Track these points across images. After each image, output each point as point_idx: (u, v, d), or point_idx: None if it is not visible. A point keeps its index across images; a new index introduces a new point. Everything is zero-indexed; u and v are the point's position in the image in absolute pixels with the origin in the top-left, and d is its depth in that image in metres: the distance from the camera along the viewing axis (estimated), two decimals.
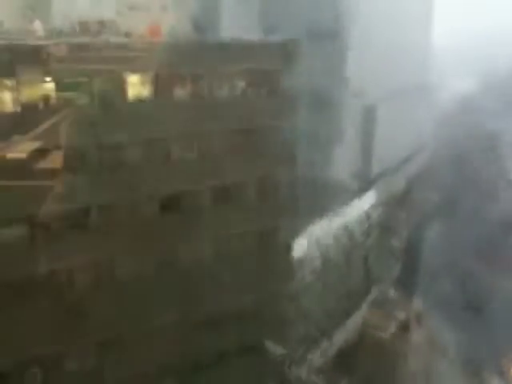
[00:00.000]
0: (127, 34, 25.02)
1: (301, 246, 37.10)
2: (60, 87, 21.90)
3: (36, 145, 20.49)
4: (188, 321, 26.19)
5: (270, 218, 28.81)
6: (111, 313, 23.93)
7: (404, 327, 43.08)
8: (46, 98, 21.62)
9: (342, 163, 52.96)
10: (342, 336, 41.17)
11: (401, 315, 44.14)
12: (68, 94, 21.94)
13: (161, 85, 24.47)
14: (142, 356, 25.03)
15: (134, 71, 23.56)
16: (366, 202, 47.61)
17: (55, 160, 20.70)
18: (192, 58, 24.90)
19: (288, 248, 30.60)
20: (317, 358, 38.63)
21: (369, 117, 57.15)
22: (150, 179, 24.37)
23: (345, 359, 40.06)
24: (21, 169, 20.56)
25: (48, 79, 21.72)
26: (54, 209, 21.42)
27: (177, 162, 25.26)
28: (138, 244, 24.51)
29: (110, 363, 24.58)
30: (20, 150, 20.29)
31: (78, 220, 22.68)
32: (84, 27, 26.07)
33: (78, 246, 22.94)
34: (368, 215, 46.57)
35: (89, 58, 22.23)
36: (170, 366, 26.00)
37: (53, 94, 21.85)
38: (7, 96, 20.96)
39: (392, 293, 47.33)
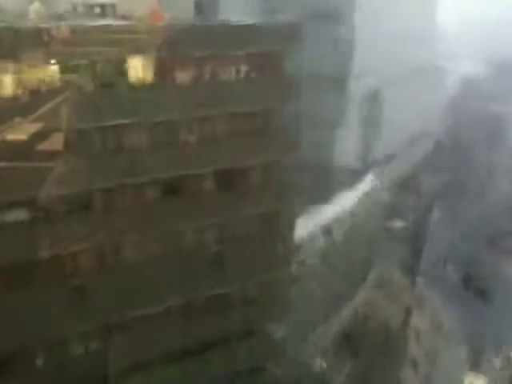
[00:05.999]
0: (125, 17, 24.89)
1: (304, 229, 37.24)
2: (62, 69, 21.97)
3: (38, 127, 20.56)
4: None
5: (273, 201, 28.90)
6: (112, 296, 24.32)
7: (407, 310, 43.20)
8: (48, 81, 21.67)
9: (347, 146, 52.91)
10: (344, 318, 41.46)
11: (404, 298, 44.26)
12: (70, 76, 22.00)
13: (162, 68, 24.42)
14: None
15: (135, 54, 23.53)
16: (370, 185, 47.55)
17: (57, 142, 20.79)
18: (194, 41, 24.78)
19: (291, 230, 30.72)
20: (320, 340, 38.95)
21: (374, 100, 56.92)
22: (154, 163, 24.51)
23: (349, 342, 40.40)
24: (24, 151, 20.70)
25: (51, 62, 21.75)
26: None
27: (178, 147, 25.33)
28: (142, 226, 24.80)
29: (114, 345, 24.97)
30: (22, 131, 20.39)
31: None
32: (86, 10, 26.01)
33: None
34: (372, 198, 46.54)
35: (91, 41, 22.20)
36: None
37: (55, 76, 21.92)
38: (10, 79, 21.01)
39: (395, 275, 47.44)
